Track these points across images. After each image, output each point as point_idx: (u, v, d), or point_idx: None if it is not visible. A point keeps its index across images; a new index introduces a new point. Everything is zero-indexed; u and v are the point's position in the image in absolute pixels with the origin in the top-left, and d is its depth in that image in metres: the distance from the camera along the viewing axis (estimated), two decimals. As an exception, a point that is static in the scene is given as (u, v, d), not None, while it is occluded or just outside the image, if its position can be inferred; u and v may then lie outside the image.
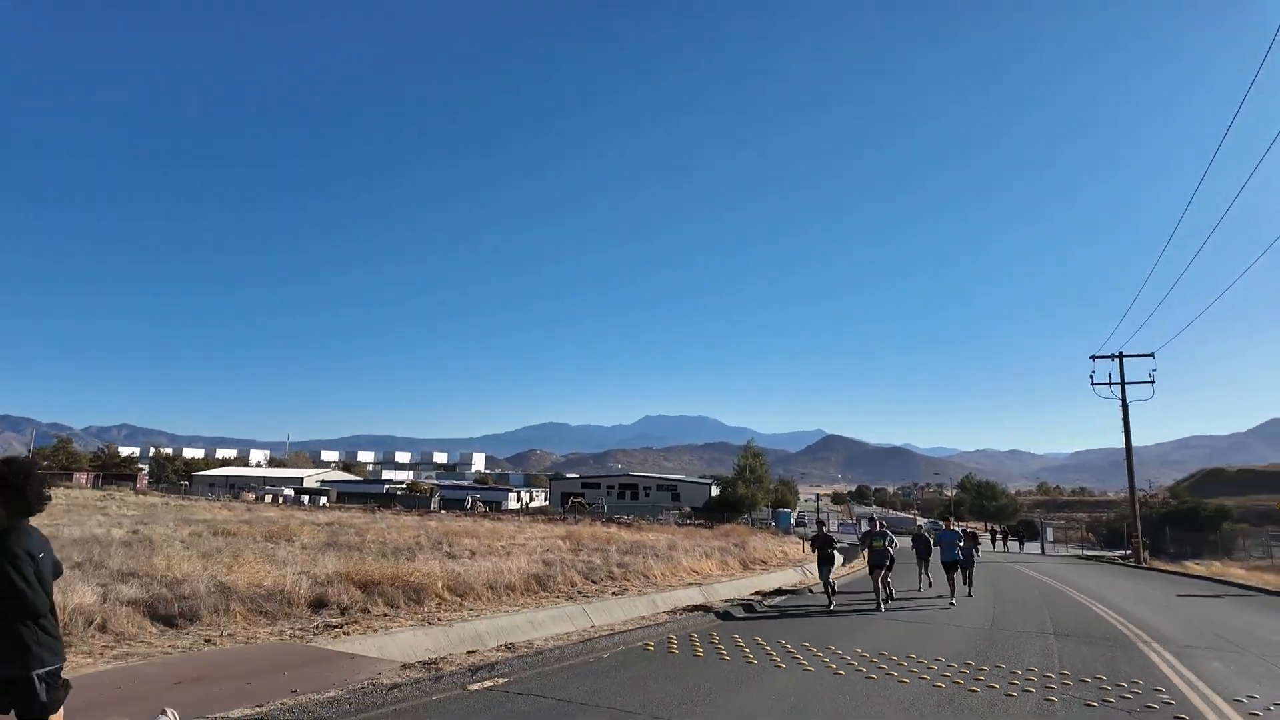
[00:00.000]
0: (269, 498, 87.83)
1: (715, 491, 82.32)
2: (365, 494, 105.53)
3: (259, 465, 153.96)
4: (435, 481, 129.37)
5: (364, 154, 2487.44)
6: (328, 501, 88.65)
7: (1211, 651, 11.00)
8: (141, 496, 64.91)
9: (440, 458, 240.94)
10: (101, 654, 7.60)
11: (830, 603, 15.15)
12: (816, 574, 19.34)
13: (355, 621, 10.11)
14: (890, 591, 16.07)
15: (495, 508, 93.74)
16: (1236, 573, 31.22)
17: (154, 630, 8.71)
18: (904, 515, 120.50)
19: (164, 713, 5.11)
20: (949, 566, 17.30)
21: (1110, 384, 40.24)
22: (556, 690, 7.05)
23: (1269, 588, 24.57)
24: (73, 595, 8.75)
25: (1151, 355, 39.84)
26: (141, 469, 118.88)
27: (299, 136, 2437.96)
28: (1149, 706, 7.36)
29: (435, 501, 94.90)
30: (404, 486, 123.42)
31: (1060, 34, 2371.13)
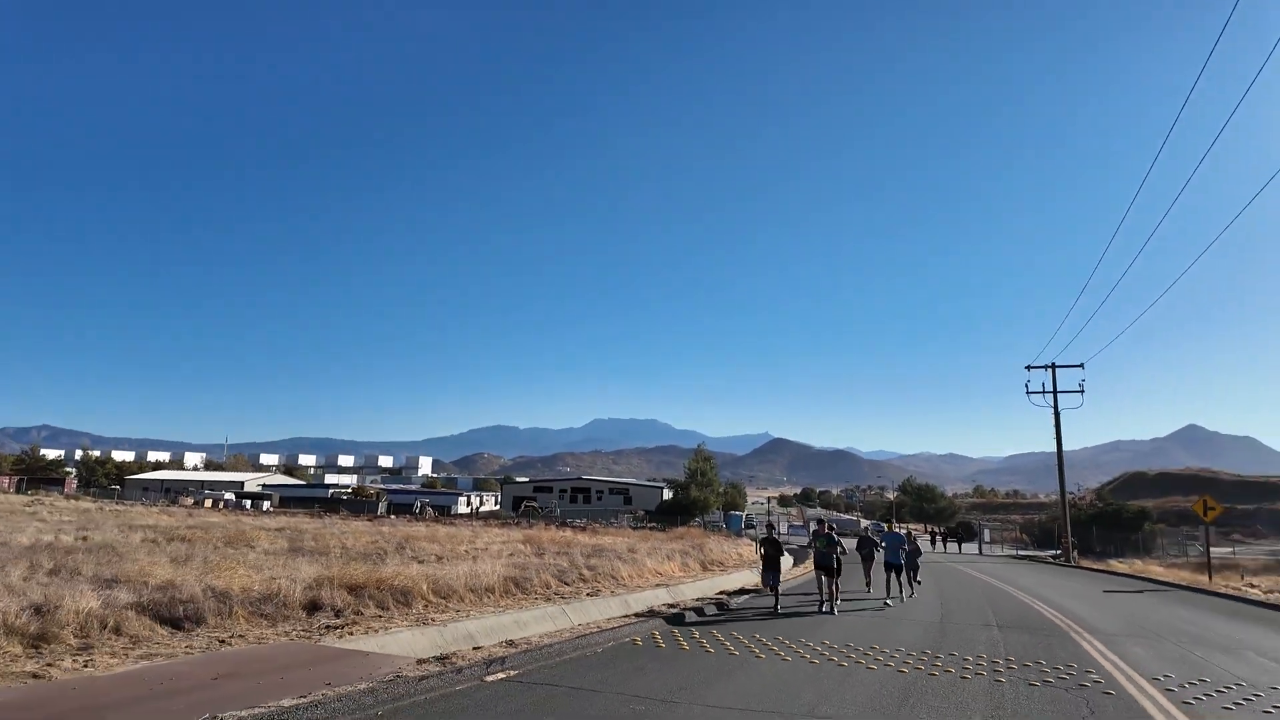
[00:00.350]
0: (209, 502, 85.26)
1: (667, 495, 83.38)
2: (309, 498, 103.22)
3: (195, 469, 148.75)
4: (382, 486, 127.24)
5: (308, 150, 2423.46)
6: (271, 506, 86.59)
7: (1134, 639, 12.30)
8: (73, 501, 62.38)
9: (385, 461, 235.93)
10: (126, 654, 7.92)
11: (776, 606, 14.86)
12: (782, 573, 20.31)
13: (354, 623, 10.54)
14: (836, 592, 16.08)
15: (445, 512, 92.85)
16: (1155, 570, 33.65)
17: (164, 633, 9.02)
18: (848, 517, 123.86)
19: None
20: (891, 569, 17.61)
21: (1044, 393, 42.71)
22: (566, 680, 7.71)
23: (1183, 583, 26.69)
24: (80, 600, 8.98)
25: (1081, 366, 42.46)
26: (69, 472, 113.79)
27: (249, 132, 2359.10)
28: (1082, 685, 8.44)
29: (382, 506, 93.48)
30: (349, 491, 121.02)
31: (1000, 50, 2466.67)
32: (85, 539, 23.14)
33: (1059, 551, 45.28)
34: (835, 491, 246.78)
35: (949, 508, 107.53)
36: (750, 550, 36.23)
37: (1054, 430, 43.32)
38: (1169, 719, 7.04)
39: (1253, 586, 26.06)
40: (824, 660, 9.41)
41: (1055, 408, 42.58)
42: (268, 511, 74.48)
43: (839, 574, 15.45)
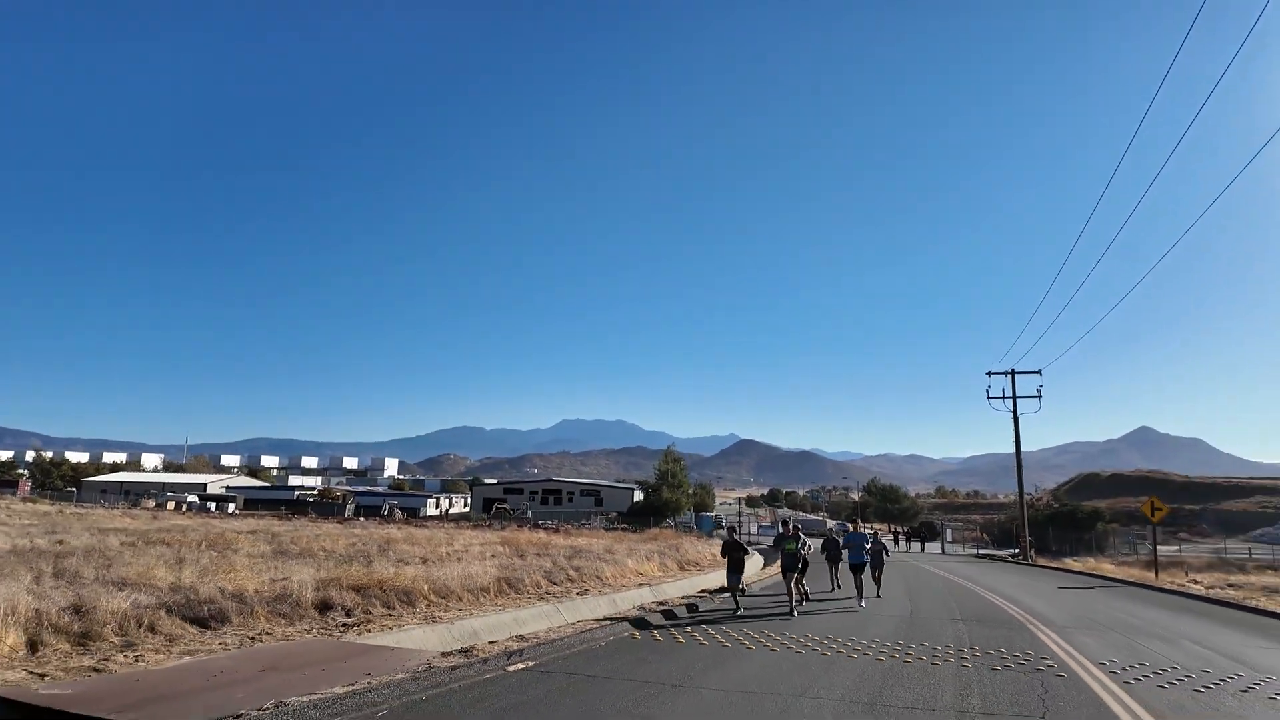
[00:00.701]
0: (171, 505, 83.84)
1: (638, 496, 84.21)
2: (275, 500, 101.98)
3: (155, 470, 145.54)
4: (349, 488, 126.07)
5: (270, 148, 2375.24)
6: (236, 509, 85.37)
7: (1084, 631, 13.45)
8: (30, 504, 60.96)
9: (351, 463, 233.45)
10: (168, 651, 8.47)
11: (737, 608, 14.65)
12: (749, 575, 21.02)
13: (368, 621, 11.15)
14: (805, 593, 16.13)
15: (414, 515, 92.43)
16: (1107, 568, 35.45)
17: (194, 631, 9.55)
18: (814, 517, 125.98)
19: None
20: (856, 569, 17.58)
21: (1004, 398, 44.48)
22: (580, 669, 8.47)
23: (1132, 580, 28.32)
24: (113, 601, 9.47)
25: (1039, 372, 44.31)
26: (22, 474, 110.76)
27: (212, 131, 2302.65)
28: (1037, 669, 9.46)
29: (350, 509, 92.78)
30: (315, 493, 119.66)
31: (964, 56, 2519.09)
32: (61, 543, 23.16)
33: (1017, 550, 47.16)
34: (801, 492, 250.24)
35: (912, 508, 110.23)
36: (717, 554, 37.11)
37: (1013, 433, 45.15)
38: (1112, 696, 8.04)
39: (1195, 583, 27.78)
40: (808, 651, 10.30)
41: (1014, 412, 44.40)
42: (233, 514, 73.67)
43: (804, 574, 15.50)
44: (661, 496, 63.18)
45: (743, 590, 15.73)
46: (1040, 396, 43.94)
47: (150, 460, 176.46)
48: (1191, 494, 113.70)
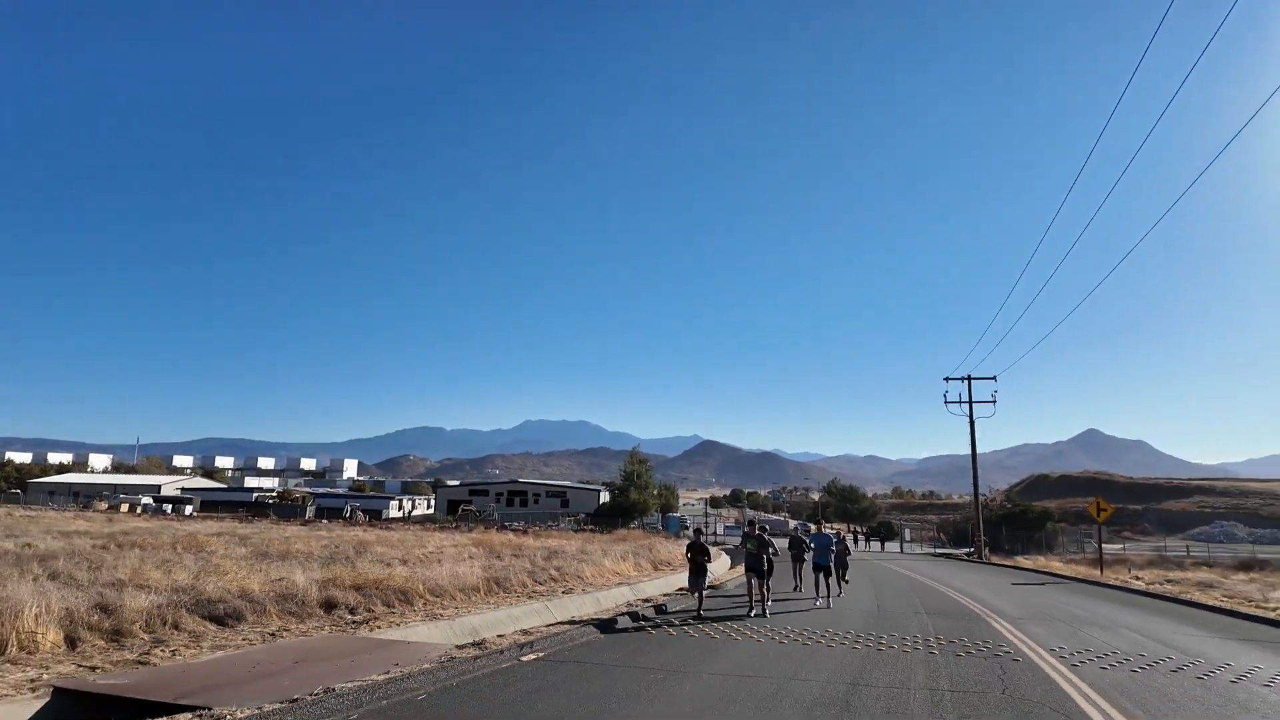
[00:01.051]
0: (125, 507, 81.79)
1: (605, 498, 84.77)
2: (233, 502, 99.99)
3: (105, 471, 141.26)
4: (309, 490, 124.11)
5: (221, 142, 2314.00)
6: (194, 511, 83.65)
7: (1035, 622, 14.64)
8: None
9: (309, 464, 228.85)
10: (197, 646, 8.96)
11: (700, 610, 14.31)
12: (716, 574, 21.74)
13: (375, 618, 11.72)
14: (766, 596, 15.32)
15: (376, 517, 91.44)
16: (1056, 565, 37.31)
17: (214, 628, 10.03)
18: (775, 518, 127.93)
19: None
20: (822, 570, 17.21)
21: (960, 402, 46.33)
22: (587, 658, 9.21)
23: (1079, 576, 30.02)
24: (136, 600, 9.91)
25: (994, 379, 46.27)
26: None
27: (163, 131, 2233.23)
28: (996, 655, 10.50)
29: (310, 511, 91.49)
30: (274, 495, 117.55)
31: (931, 56, 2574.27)
32: (29, 546, 22.98)
33: (973, 550, 49.07)
34: (763, 493, 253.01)
35: (871, 508, 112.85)
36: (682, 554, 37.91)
37: (969, 436, 47.00)
38: (1061, 676, 9.07)
39: (1137, 579, 29.58)
40: (790, 642, 11.20)
41: (970, 416, 46.26)
42: (191, 516, 72.15)
43: (770, 575, 14.98)
44: (629, 498, 63.98)
45: (708, 590, 15.03)
46: (995, 401, 45.90)
47: (99, 461, 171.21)
48: (1135, 494, 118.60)
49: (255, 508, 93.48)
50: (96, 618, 9.05)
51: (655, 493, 79.05)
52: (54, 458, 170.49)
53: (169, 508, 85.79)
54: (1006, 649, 11.04)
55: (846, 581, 20.20)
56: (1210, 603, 19.68)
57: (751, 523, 16.18)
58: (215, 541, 27.70)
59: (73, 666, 7.67)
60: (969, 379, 46.37)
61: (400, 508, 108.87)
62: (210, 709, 6.04)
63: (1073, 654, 10.77)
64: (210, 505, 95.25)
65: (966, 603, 18.13)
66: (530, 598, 16.32)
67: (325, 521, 68.11)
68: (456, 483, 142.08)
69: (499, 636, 11.00)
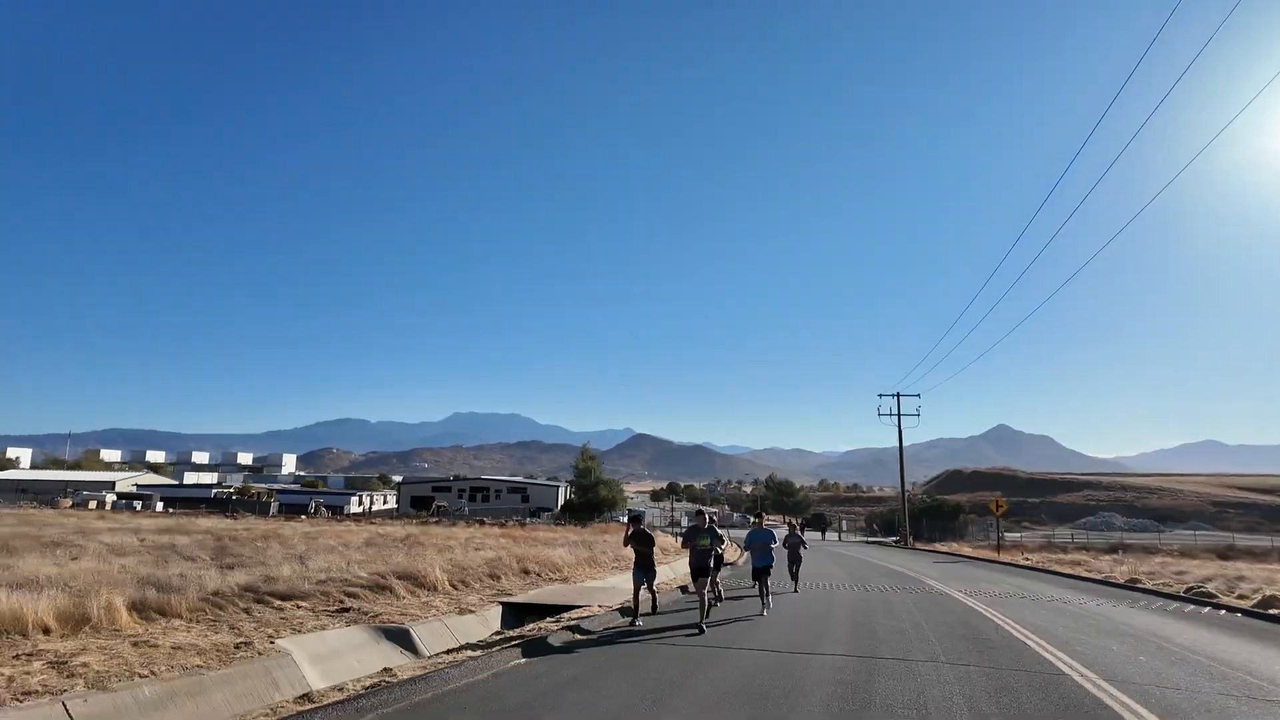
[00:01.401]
0: (93, 504, 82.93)
1: (565, 494, 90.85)
2: (194, 499, 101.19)
3: (37, 466, 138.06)
4: (267, 486, 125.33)
5: (148, 128, 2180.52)
6: (167, 507, 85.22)
7: (949, 581, 22.50)
8: None
9: (245, 458, 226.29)
10: (523, 587, 15.43)
11: (635, 619, 12.19)
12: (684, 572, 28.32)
13: (566, 579, 18.31)
14: (719, 594, 14.37)
15: (338, 512, 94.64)
16: (966, 550, 46.33)
17: (519, 581, 16.48)
18: (713, 510, 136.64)
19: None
20: (761, 573, 14.75)
21: (891, 415, 55.14)
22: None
23: (981, 557, 38.80)
24: (472, 558, 16.23)
25: (918, 396, 55.26)
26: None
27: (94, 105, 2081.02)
28: (928, 593, 18.04)
29: (274, 507, 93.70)
30: (232, 491, 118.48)
31: (886, 69, 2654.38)
32: (143, 541, 27.98)
33: (899, 538, 58.20)
34: (699, 485, 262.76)
35: (804, 500, 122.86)
36: (671, 543, 44.42)
37: (897, 440, 55.95)
38: (962, 598, 16.58)
39: (1027, 559, 38.46)
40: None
41: (899, 427, 55.21)
42: (163, 513, 73.58)
43: (718, 572, 13.94)
44: (599, 494, 70.69)
45: (653, 600, 13.66)
46: (919, 414, 54.89)
47: (20, 454, 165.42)
48: (1034, 488, 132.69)
49: (216, 504, 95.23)
50: (457, 571, 15.47)
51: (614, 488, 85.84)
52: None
53: (138, 504, 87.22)
54: (932, 590, 18.64)
55: (798, 578, 19.11)
56: (1068, 571, 28.20)
57: (700, 512, 13.61)
58: (296, 536, 33.06)
59: (474, 597, 14.11)
60: (898, 396, 55.29)
61: (360, 503, 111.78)
62: (586, 604, 12.74)
63: (970, 593, 18.43)
64: (172, 501, 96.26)
65: (905, 571, 26.13)
66: (564, 582, 23.02)
67: (302, 518, 70.70)
68: (422, 479, 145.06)
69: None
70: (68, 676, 6.65)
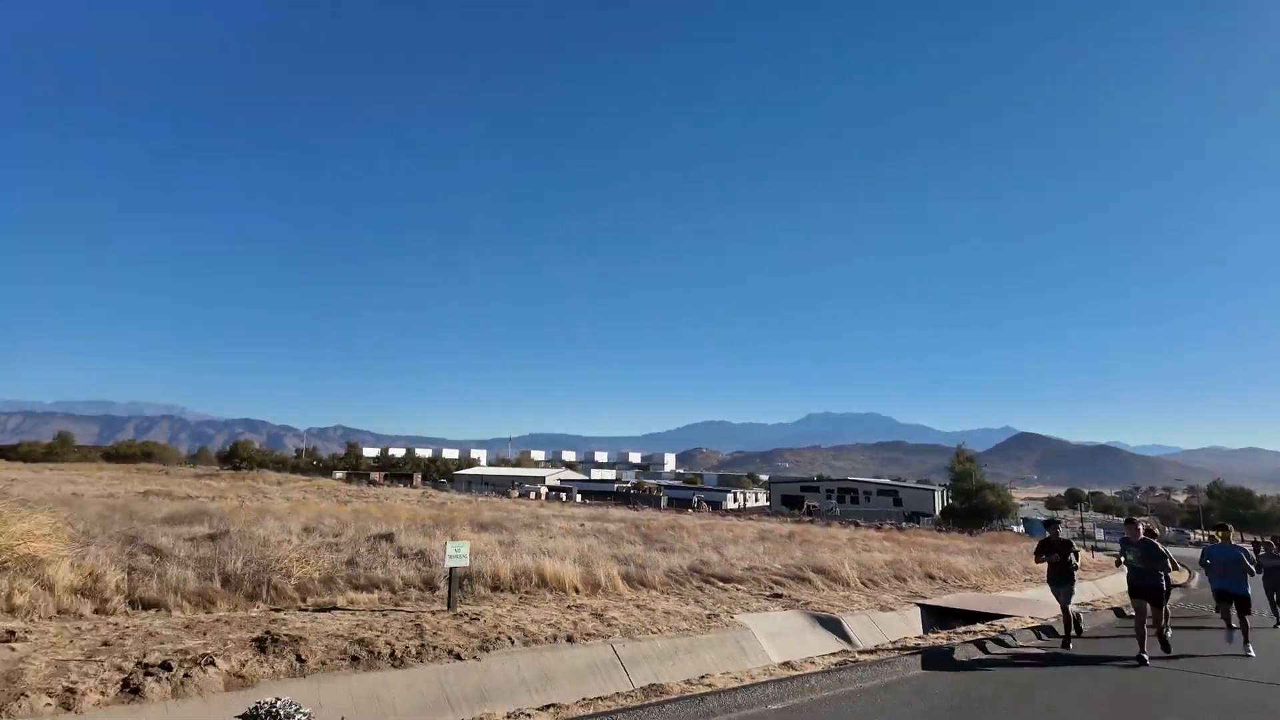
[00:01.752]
0: (532, 494, 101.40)
1: (942, 498, 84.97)
2: (601, 492, 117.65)
3: (492, 465, 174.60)
4: (657, 482, 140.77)
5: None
6: (584, 499, 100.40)
7: None
8: (448, 494, 76.90)
9: (634, 457, 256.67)
10: (936, 591, 15.56)
11: (1068, 640, 10.86)
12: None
13: (960, 588, 17.66)
14: (1164, 636, 10.87)
15: (716, 507, 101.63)
16: None
17: (922, 583, 16.68)
18: (1144, 520, 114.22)
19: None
20: (1224, 597, 11.86)
21: None
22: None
23: None
24: (706, 554, 16.92)
25: None
26: (418, 471, 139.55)
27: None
28: None
29: (664, 500, 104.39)
30: (630, 486, 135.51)
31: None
32: (582, 525, 33.17)
33: None
34: (1108, 493, 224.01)
35: (1273, 512, 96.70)
36: (1097, 560, 36.25)
37: None
38: None
39: None
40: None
41: None
42: (582, 503, 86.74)
43: (1167, 597, 10.89)
44: (985, 500, 64.92)
45: (1077, 618, 11.88)
46: None
47: (480, 455, 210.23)
48: None
49: (619, 497, 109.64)
50: (863, 570, 16.15)
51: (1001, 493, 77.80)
52: (447, 453, 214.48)
53: (563, 495, 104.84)
54: None
55: None
56: None
57: (1131, 521, 11.16)
58: (745, 531, 36.74)
59: (888, 595, 14.54)
60: None
61: (735, 500, 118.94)
62: (1011, 614, 12.14)
63: None
64: (586, 493, 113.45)
65: None
66: (1007, 587, 21.24)
67: (690, 511, 77.95)
68: (790, 479, 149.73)
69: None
70: (606, 625, 8.66)
